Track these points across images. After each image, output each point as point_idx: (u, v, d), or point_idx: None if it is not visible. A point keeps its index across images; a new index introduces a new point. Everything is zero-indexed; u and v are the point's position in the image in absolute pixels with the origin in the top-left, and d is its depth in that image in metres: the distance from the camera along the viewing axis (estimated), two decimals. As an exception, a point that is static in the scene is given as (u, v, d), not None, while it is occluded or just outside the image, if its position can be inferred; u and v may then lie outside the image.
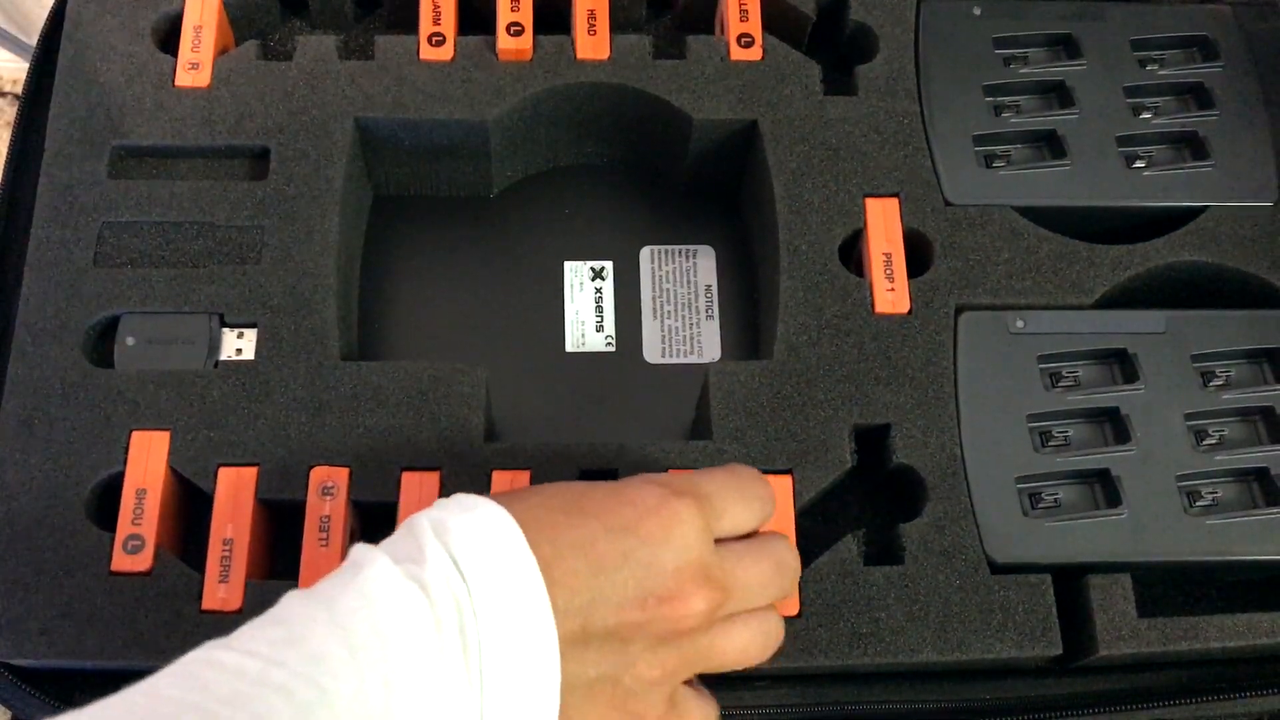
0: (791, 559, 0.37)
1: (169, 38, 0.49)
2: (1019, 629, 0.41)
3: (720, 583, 0.34)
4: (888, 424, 0.44)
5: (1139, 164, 0.49)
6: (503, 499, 0.34)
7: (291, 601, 0.31)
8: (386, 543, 0.33)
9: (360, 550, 0.32)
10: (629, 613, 0.33)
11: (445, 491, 0.42)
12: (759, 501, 0.37)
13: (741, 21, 0.50)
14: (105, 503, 0.41)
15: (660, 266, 0.51)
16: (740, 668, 0.36)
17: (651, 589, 0.33)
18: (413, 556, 0.31)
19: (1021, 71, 0.50)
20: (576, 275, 0.51)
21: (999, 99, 0.50)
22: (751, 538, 0.37)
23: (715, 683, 0.41)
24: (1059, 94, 0.50)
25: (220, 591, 0.40)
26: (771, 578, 0.36)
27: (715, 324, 0.50)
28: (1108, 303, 0.47)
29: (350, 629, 0.30)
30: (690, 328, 0.50)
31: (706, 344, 0.50)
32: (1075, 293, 0.46)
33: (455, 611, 0.30)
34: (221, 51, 0.49)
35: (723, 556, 0.35)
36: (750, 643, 0.36)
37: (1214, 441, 0.44)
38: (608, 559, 0.33)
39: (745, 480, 0.37)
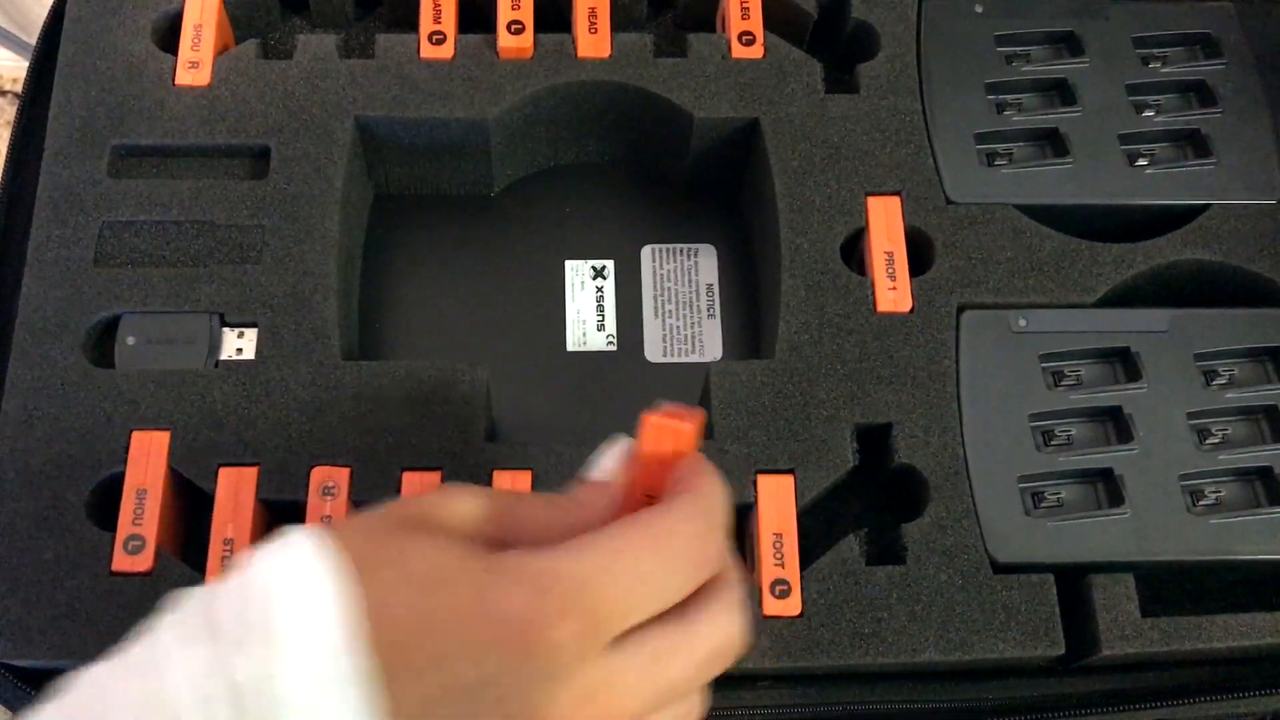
0: (725, 638, 0.29)
1: (169, 36, 0.49)
2: (1022, 629, 0.41)
3: (616, 709, 0.27)
4: (889, 423, 0.43)
5: (1141, 162, 0.48)
6: (366, 565, 0.27)
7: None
8: (207, 605, 0.26)
9: (167, 628, 0.26)
10: None
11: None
12: (685, 576, 0.28)
13: (743, 19, 0.50)
14: (106, 503, 0.41)
15: (661, 265, 0.51)
16: None
17: None
18: (220, 651, 0.25)
19: (1024, 69, 0.50)
20: (578, 274, 0.51)
21: (1001, 97, 0.50)
22: (682, 612, 0.28)
23: (713, 684, 0.41)
24: (1061, 92, 0.50)
25: (221, 592, 0.40)
26: (690, 676, 0.28)
27: (717, 323, 0.50)
28: (1110, 301, 0.46)
29: None
30: (691, 327, 0.50)
31: (708, 343, 0.50)
32: (1078, 291, 0.46)
33: None
34: (222, 50, 0.49)
35: (620, 671, 0.27)
36: None
37: (1217, 441, 0.44)
38: (464, 681, 0.26)
39: (673, 548, 0.28)
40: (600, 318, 0.50)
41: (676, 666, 0.28)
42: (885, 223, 0.46)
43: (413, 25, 0.49)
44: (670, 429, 0.30)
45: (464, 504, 0.30)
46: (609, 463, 0.32)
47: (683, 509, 0.29)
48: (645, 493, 0.31)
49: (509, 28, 0.48)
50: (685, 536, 0.28)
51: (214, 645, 0.25)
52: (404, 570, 0.27)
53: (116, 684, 0.26)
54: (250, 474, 0.41)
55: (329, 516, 0.41)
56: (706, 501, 0.29)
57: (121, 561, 0.40)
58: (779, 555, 0.41)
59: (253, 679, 0.25)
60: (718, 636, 0.28)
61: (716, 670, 0.29)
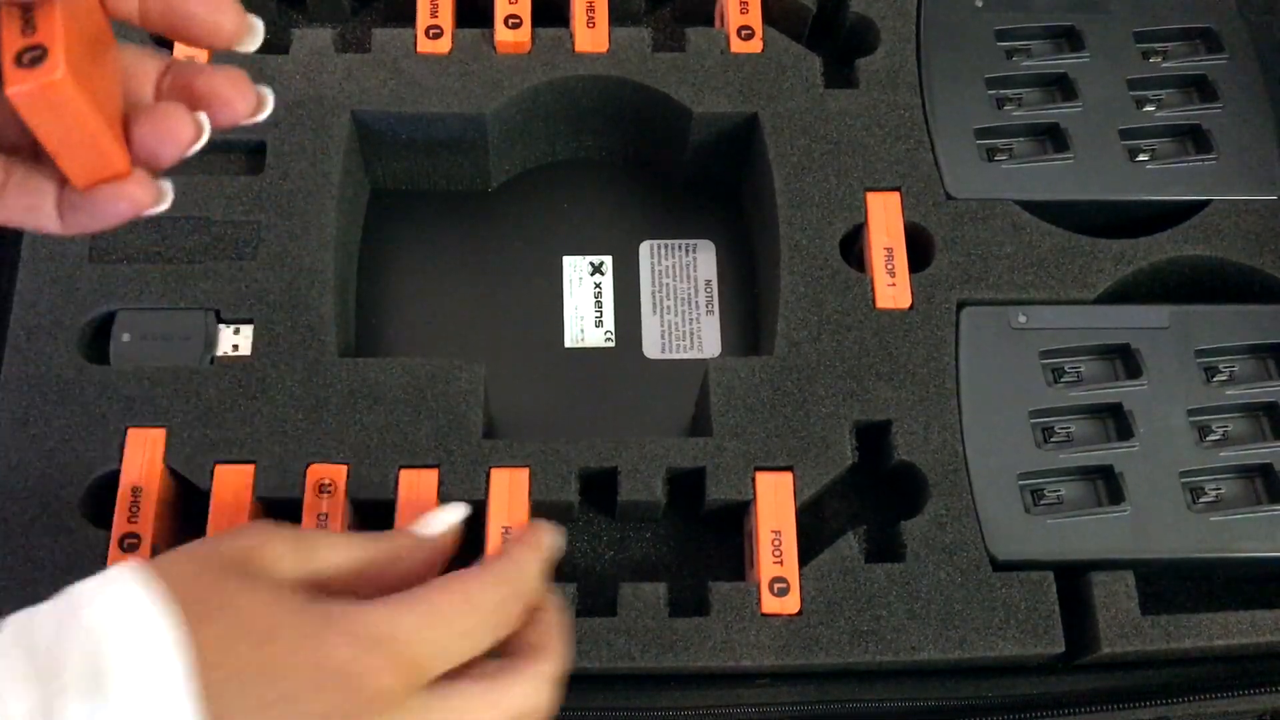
0: (531, 704, 0.32)
1: (164, 31, 0.48)
2: (1021, 626, 0.40)
3: None
4: (889, 420, 0.43)
5: (1142, 157, 0.48)
6: (192, 610, 0.28)
7: None
8: (28, 638, 0.27)
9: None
10: None
11: (443, 489, 0.41)
12: (489, 631, 0.31)
13: (741, 14, 0.49)
14: (101, 501, 0.41)
15: (660, 261, 0.51)
16: None
17: None
18: (48, 692, 0.25)
19: (1024, 64, 0.50)
20: (575, 270, 0.51)
21: (1001, 92, 0.49)
22: (498, 671, 0.31)
23: (710, 681, 0.41)
24: (1061, 87, 0.50)
25: (217, 590, 0.39)
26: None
27: (715, 319, 0.50)
28: (1110, 297, 0.46)
29: None
30: (690, 323, 0.50)
31: (706, 339, 0.50)
32: (1078, 287, 0.46)
33: None
34: (217, 45, 0.48)
35: (430, 712, 0.30)
36: None
37: (1217, 437, 0.44)
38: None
39: (473, 609, 0.31)
40: (598, 314, 0.50)
41: (483, 711, 0.31)
42: (885, 218, 0.46)
43: (409, 19, 0.48)
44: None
45: (280, 549, 0.31)
46: (437, 526, 0.36)
47: (496, 573, 0.32)
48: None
49: (506, 22, 0.48)
50: (492, 599, 0.32)
51: (41, 687, 0.26)
52: (237, 618, 0.29)
53: None
54: (246, 471, 0.41)
55: (325, 515, 0.40)
56: (516, 569, 0.33)
57: (117, 559, 0.40)
58: (778, 553, 0.41)
59: None
60: (522, 700, 0.31)
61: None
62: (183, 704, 0.26)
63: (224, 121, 0.31)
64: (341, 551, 0.33)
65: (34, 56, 0.27)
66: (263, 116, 0.32)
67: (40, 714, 0.25)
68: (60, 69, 0.27)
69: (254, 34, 0.31)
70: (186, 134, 0.30)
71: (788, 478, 0.42)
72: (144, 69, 0.32)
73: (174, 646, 0.27)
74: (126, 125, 0.30)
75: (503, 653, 0.32)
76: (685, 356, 0.49)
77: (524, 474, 0.42)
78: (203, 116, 0.30)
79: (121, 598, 0.27)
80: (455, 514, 0.36)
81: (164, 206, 0.31)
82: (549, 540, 0.35)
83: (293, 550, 0.31)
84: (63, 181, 0.30)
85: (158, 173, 0.31)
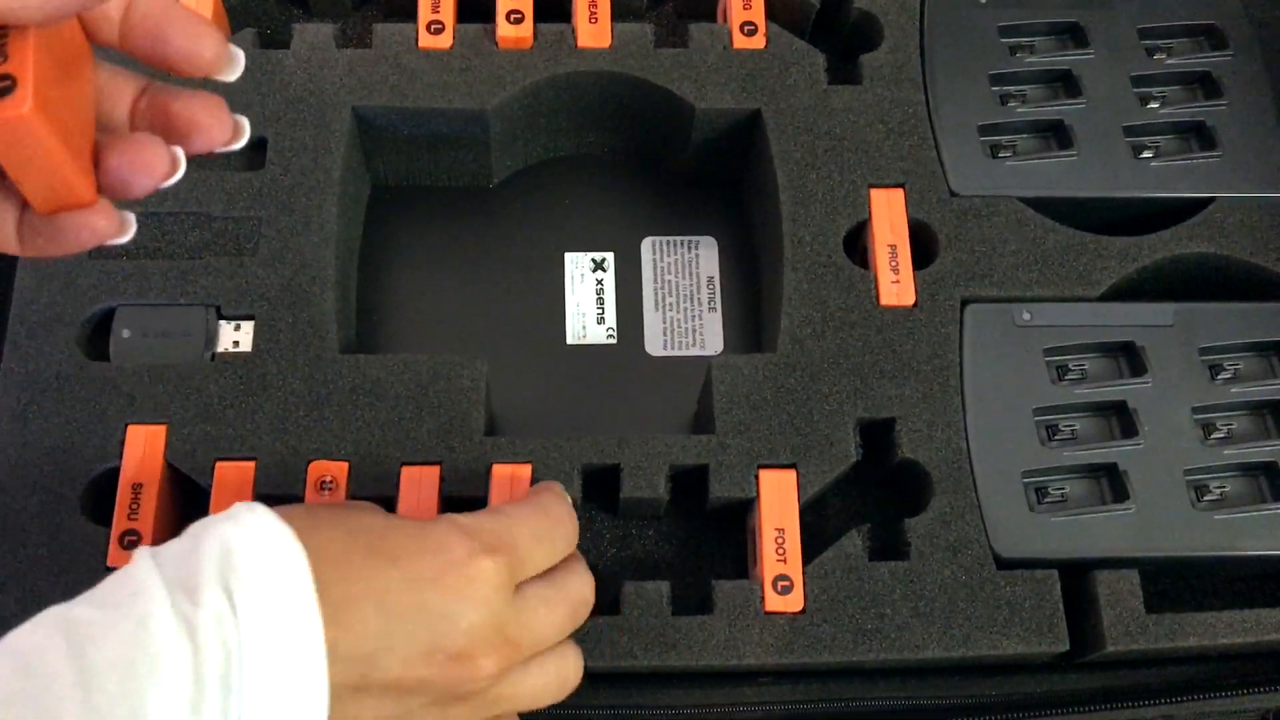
0: (588, 592, 0.37)
1: (164, 25, 0.48)
2: (1025, 625, 0.40)
3: (515, 640, 0.34)
4: (893, 418, 0.43)
5: (1146, 154, 0.48)
6: (305, 526, 0.32)
7: (50, 632, 0.28)
8: (170, 555, 0.30)
9: (139, 566, 0.30)
10: (416, 668, 0.32)
11: (445, 486, 0.41)
12: (564, 541, 0.37)
13: (744, 9, 0.49)
14: (101, 497, 0.41)
15: (662, 258, 0.51)
16: (536, 708, 0.36)
17: (443, 645, 0.32)
18: (190, 587, 0.29)
19: (1028, 60, 0.50)
20: (577, 266, 0.50)
21: (1005, 88, 0.49)
22: (553, 573, 0.36)
23: (713, 680, 0.41)
24: (1066, 83, 0.49)
25: (218, 587, 0.39)
26: (567, 621, 0.36)
27: (718, 316, 0.50)
28: (1115, 295, 0.46)
29: (100, 690, 0.27)
30: (692, 320, 0.50)
31: (709, 336, 0.49)
32: (1082, 285, 0.46)
33: (222, 659, 0.28)
34: (217, 39, 0.48)
35: (520, 609, 0.34)
36: (544, 688, 0.36)
37: (1222, 435, 0.44)
38: (401, 609, 0.32)
39: (553, 517, 0.36)
40: (600, 311, 0.50)
41: (558, 611, 0.35)
42: (888, 215, 0.46)
43: (411, 15, 0.48)
44: None
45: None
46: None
47: (554, 494, 0.38)
48: None
49: (508, 17, 0.48)
50: (560, 513, 0.37)
51: (180, 583, 0.29)
52: (345, 526, 0.33)
53: (105, 616, 0.29)
54: (247, 468, 0.41)
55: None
56: (560, 496, 0.38)
57: (117, 557, 0.39)
58: (781, 551, 0.41)
59: (218, 615, 0.29)
60: (579, 589, 0.36)
61: (581, 618, 0.36)
62: (304, 582, 0.30)
63: (199, 149, 0.31)
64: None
65: (2, 88, 0.26)
66: (238, 145, 0.32)
67: (185, 597, 0.29)
68: (28, 103, 0.26)
69: (234, 64, 0.31)
70: (160, 168, 0.30)
71: (791, 475, 0.42)
72: (121, 89, 0.32)
73: (293, 539, 0.31)
74: (98, 153, 0.30)
75: None
76: (688, 353, 0.49)
77: (526, 471, 0.41)
78: (178, 151, 0.30)
79: (244, 516, 0.31)
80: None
81: (126, 238, 0.31)
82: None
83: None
84: (24, 204, 0.30)
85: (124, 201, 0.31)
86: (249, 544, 0.30)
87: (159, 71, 0.30)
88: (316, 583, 0.30)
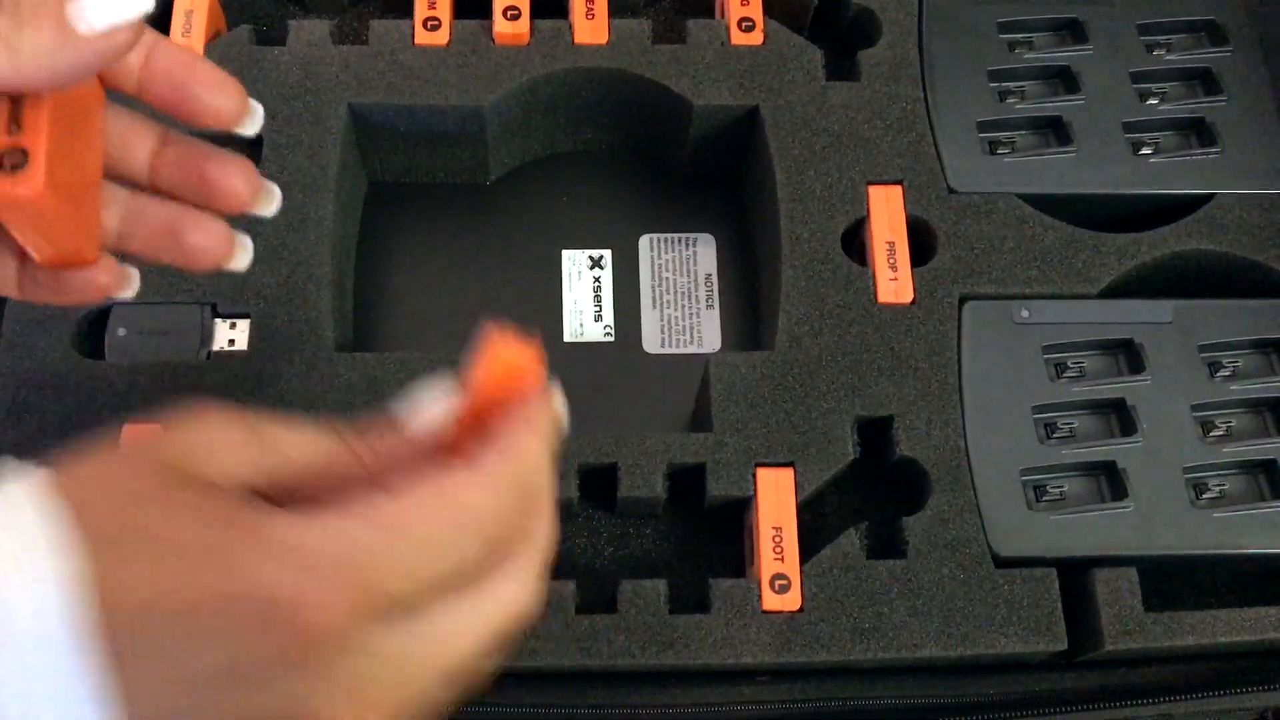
0: (520, 600, 0.26)
1: (160, 21, 0.48)
2: (1023, 624, 0.40)
3: (378, 701, 0.24)
4: (890, 416, 0.43)
5: (1145, 151, 0.48)
6: (89, 541, 0.22)
7: None
8: None
9: None
10: None
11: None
12: (482, 540, 0.24)
13: (742, 5, 0.49)
14: (96, 496, 0.41)
15: (660, 255, 0.51)
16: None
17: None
18: None
19: (1027, 56, 0.49)
20: (574, 264, 0.50)
21: (1004, 84, 0.49)
22: (463, 586, 0.25)
23: (711, 679, 0.41)
24: (1065, 79, 0.49)
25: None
26: (467, 652, 0.25)
27: (715, 314, 0.50)
28: (1113, 292, 0.46)
29: None
30: (690, 317, 0.49)
31: (707, 334, 0.49)
32: (1081, 282, 0.45)
33: None
34: (214, 36, 0.48)
35: (389, 657, 0.23)
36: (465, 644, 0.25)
37: (1221, 433, 0.44)
38: (206, 672, 0.22)
39: (472, 513, 0.24)
40: (597, 308, 0.49)
41: (462, 641, 0.25)
42: (887, 212, 0.46)
43: (407, 11, 0.48)
44: (516, 360, 0.27)
45: (228, 444, 0.25)
46: (430, 411, 0.28)
47: (491, 473, 0.25)
48: (468, 428, 0.27)
49: (505, 13, 0.48)
50: (488, 507, 0.24)
51: None
52: (148, 537, 0.23)
53: None
54: (243, 467, 0.41)
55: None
56: (522, 464, 0.25)
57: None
58: (778, 549, 0.41)
59: None
60: (505, 608, 0.25)
61: (501, 642, 0.26)
62: (77, 640, 0.21)
63: (230, 212, 0.31)
64: (309, 447, 0.26)
65: (14, 163, 0.25)
66: (268, 212, 0.33)
67: None
68: (39, 181, 0.25)
69: (254, 117, 0.31)
70: (221, 258, 0.32)
71: (789, 473, 0.42)
72: (140, 139, 0.31)
73: (68, 577, 0.22)
74: (176, 226, 0.31)
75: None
76: (685, 351, 0.49)
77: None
78: (243, 249, 0.32)
79: (10, 520, 0.22)
80: (446, 397, 0.28)
81: (130, 294, 0.31)
82: (553, 414, 0.27)
83: (244, 443, 0.25)
84: (25, 254, 0.30)
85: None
86: (8, 581, 0.21)
87: (168, 117, 0.30)
88: (100, 629, 0.21)
